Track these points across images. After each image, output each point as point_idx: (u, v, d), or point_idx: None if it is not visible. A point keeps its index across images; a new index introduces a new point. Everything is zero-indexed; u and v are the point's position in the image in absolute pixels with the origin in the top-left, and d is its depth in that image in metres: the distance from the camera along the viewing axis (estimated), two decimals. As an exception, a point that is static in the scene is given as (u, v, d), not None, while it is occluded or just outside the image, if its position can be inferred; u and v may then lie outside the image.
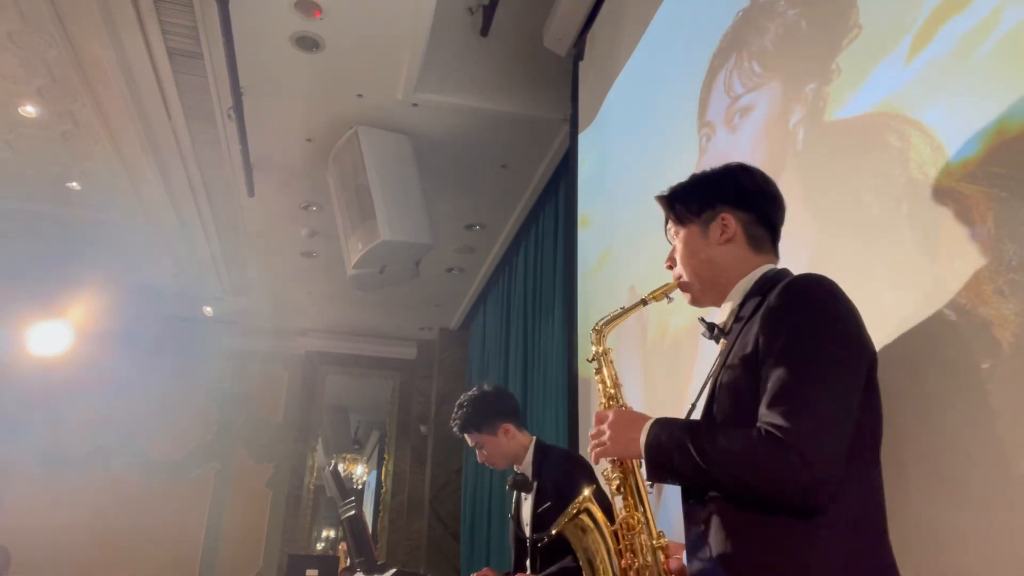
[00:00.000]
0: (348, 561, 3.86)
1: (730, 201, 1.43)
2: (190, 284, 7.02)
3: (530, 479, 2.42)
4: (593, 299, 3.38)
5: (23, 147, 5.02)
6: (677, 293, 1.51)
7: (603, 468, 1.46)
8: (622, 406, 1.49)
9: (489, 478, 5.84)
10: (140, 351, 7.42)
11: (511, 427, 2.49)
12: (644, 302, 1.52)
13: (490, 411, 2.49)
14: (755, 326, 1.26)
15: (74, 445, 7.39)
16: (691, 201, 1.47)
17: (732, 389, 1.27)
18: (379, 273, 4.69)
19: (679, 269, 1.48)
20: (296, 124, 4.68)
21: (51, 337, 6.75)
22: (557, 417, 4.27)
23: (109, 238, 6.17)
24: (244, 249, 6.35)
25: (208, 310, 7.48)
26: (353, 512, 2.97)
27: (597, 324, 1.56)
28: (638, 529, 1.38)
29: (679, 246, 1.49)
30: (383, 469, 8.45)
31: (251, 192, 5.11)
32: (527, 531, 2.38)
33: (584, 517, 1.44)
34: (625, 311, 1.55)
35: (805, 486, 1.10)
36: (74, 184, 5.46)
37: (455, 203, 5.50)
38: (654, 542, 1.36)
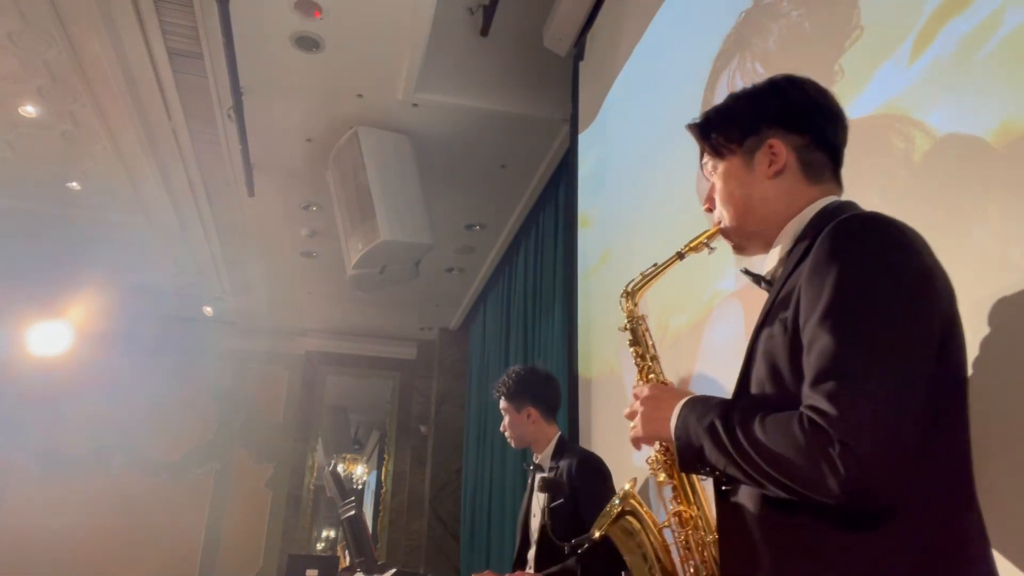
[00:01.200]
0: (348, 561, 3.87)
1: (778, 122, 1.18)
2: (190, 284, 7.02)
3: (544, 469, 2.43)
4: (593, 299, 3.38)
5: (23, 147, 5.02)
6: (720, 242, 1.28)
7: (647, 455, 1.25)
8: (661, 381, 1.28)
9: (489, 478, 5.84)
10: (140, 351, 7.43)
11: (536, 413, 2.53)
12: (680, 255, 1.29)
13: (523, 388, 2.54)
14: (801, 276, 1.02)
15: (74, 445, 7.39)
16: (730, 127, 1.22)
17: (770, 359, 1.05)
18: (379, 273, 4.68)
19: (719, 211, 1.24)
20: (296, 124, 4.68)
21: (51, 337, 6.75)
22: (557, 417, 4.26)
23: (109, 238, 6.17)
24: (244, 249, 6.34)
25: (208, 310, 7.48)
26: (353, 512, 2.97)
27: (628, 286, 1.34)
28: (691, 524, 1.18)
29: (718, 184, 1.24)
30: (383, 469, 8.45)
31: (251, 192, 5.11)
32: (536, 523, 2.39)
33: (630, 519, 1.27)
34: (659, 268, 1.32)
35: (857, 489, 0.86)
36: (74, 184, 5.46)
37: (455, 203, 5.50)
38: (710, 537, 1.17)
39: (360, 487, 11.17)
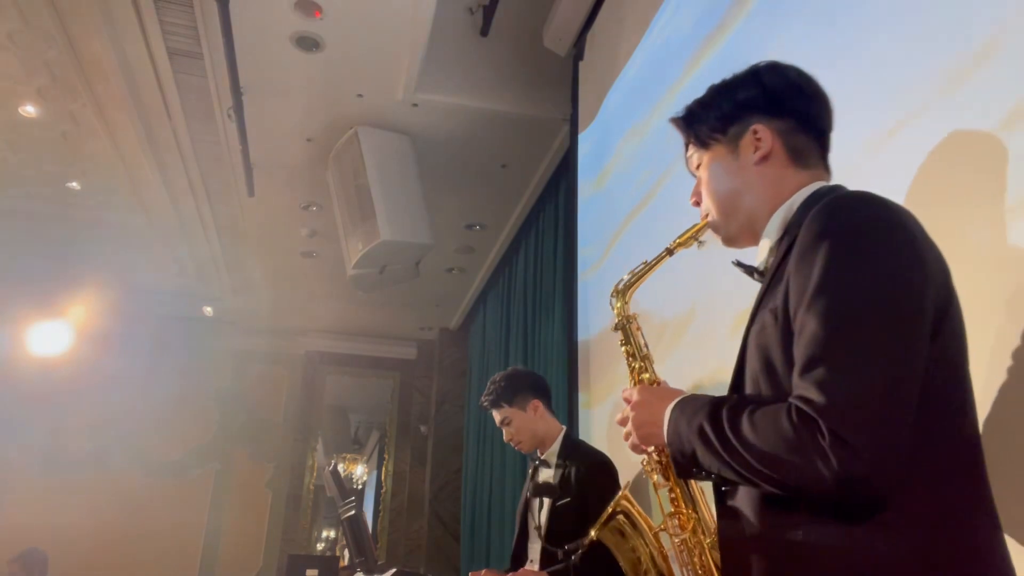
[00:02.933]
0: (348, 561, 3.87)
1: (760, 108, 1.16)
2: (190, 284, 7.02)
3: (551, 465, 2.42)
4: (593, 299, 3.38)
5: (23, 147, 5.02)
6: (710, 236, 1.26)
7: (642, 458, 1.22)
8: (653, 382, 1.25)
9: (489, 478, 5.84)
10: (140, 351, 7.42)
11: (541, 405, 2.50)
12: (670, 252, 1.27)
13: (522, 385, 2.51)
14: (790, 263, 0.99)
15: (74, 445, 7.39)
16: (713, 117, 1.20)
17: (763, 352, 1.01)
18: (379, 273, 4.69)
19: (706, 204, 1.22)
20: (296, 124, 4.68)
21: (51, 337, 6.75)
22: (557, 417, 4.25)
23: (109, 238, 6.17)
24: (244, 249, 6.35)
25: (208, 310, 7.48)
26: (353, 512, 2.97)
27: (618, 285, 1.33)
28: (689, 527, 1.15)
29: (704, 176, 1.22)
30: (383, 469, 8.45)
31: (251, 192, 5.11)
32: (537, 520, 2.37)
33: (622, 519, 1.25)
34: (648, 265, 1.31)
35: (849, 479, 0.83)
36: (74, 184, 5.46)
37: (455, 203, 5.50)
38: (708, 540, 1.14)
39: (360, 487, 11.17)
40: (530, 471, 2.51)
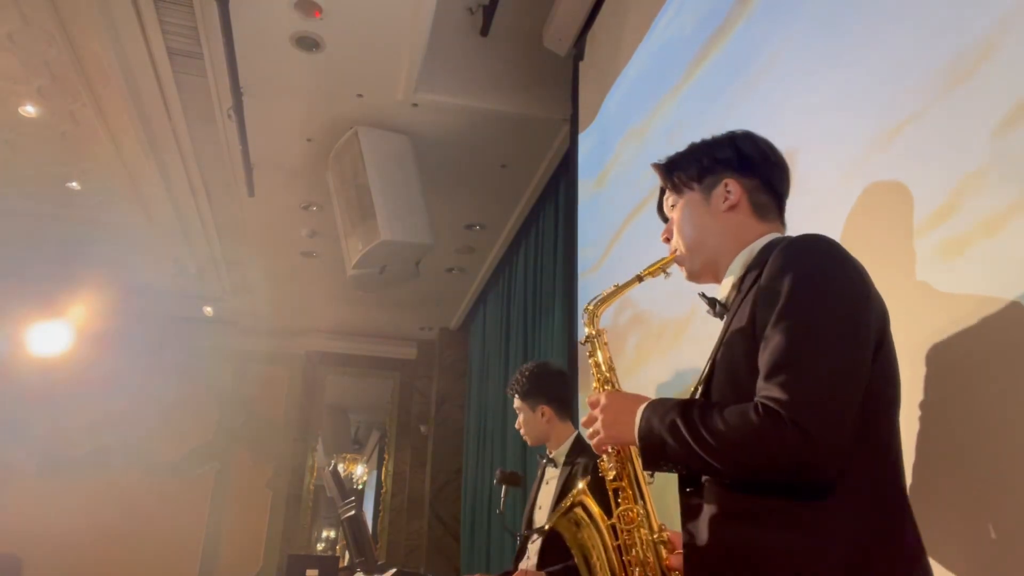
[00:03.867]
0: (348, 561, 3.87)
1: (733, 166, 1.34)
2: (190, 284, 7.02)
3: (558, 464, 2.43)
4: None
5: (23, 147, 5.02)
6: (675, 268, 1.42)
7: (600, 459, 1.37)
8: (617, 389, 1.40)
9: (489, 478, 5.84)
10: (140, 351, 7.42)
11: (550, 412, 2.52)
12: (639, 278, 1.42)
13: (536, 387, 2.53)
14: (755, 296, 1.16)
15: (74, 445, 7.39)
16: (691, 167, 1.38)
17: (729, 367, 1.17)
18: (379, 273, 4.68)
19: (676, 241, 1.39)
20: (296, 124, 4.68)
21: (51, 337, 6.75)
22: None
23: (109, 238, 6.17)
24: (244, 249, 6.35)
25: (208, 310, 7.48)
26: (353, 512, 2.97)
27: (589, 305, 1.48)
28: (637, 522, 1.28)
29: (677, 216, 1.39)
30: (383, 469, 8.45)
31: (251, 192, 5.11)
32: (541, 516, 2.38)
33: (578, 511, 1.35)
34: (619, 288, 1.46)
35: (807, 462, 0.99)
36: (74, 184, 5.46)
37: (455, 203, 5.50)
38: (655, 536, 1.27)
39: (360, 487, 11.17)
40: (539, 472, 2.54)
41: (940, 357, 1.39)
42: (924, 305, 1.45)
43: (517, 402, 2.56)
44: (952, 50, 1.48)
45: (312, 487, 8.05)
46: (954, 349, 1.37)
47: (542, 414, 2.51)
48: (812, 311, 1.07)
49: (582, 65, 3.95)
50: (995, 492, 1.25)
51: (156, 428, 7.60)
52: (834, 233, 1.69)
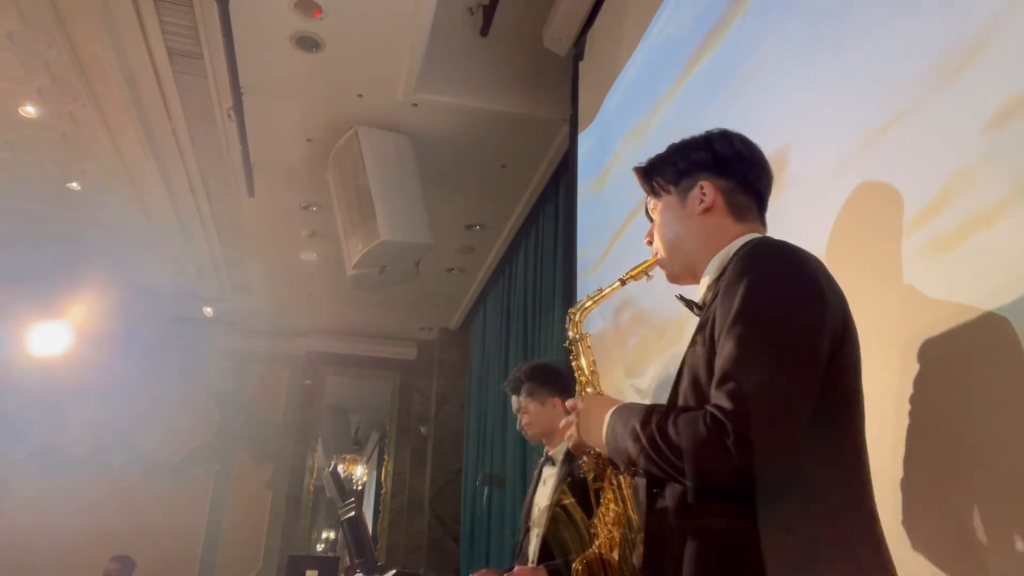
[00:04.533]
0: (348, 561, 3.87)
1: (708, 167, 1.34)
2: (190, 284, 7.02)
3: (556, 463, 2.43)
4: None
5: (23, 147, 5.02)
6: (657, 271, 1.43)
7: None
8: (597, 392, 1.42)
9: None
10: (140, 351, 7.42)
11: (560, 404, 2.51)
12: (622, 282, 1.44)
13: (545, 380, 2.53)
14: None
15: (74, 445, 7.39)
16: (668, 171, 1.39)
17: (692, 371, 1.19)
18: (379, 273, 4.68)
19: (656, 244, 1.41)
20: (296, 124, 4.68)
21: (51, 337, 6.74)
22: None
23: (109, 238, 6.17)
24: (244, 249, 6.35)
25: (208, 310, 7.48)
26: (353, 513, 2.97)
27: (572, 309, 1.50)
28: (615, 522, 1.31)
29: (657, 220, 1.41)
30: (383, 470, 8.45)
31: (251, 192, 5.11)
32: (536, 515, 2.38)
33: (558, 510, 1.38)
34: (602, 293, 1.48)
35: (743, 470, 1.00)
36: (74, 184, 5.46)
37: (455, 203, 5.50)
38: (633, 535, 1.29)
39: (360, 488, 11.17)
40: (536, 472, 2.53)
41: (930, 354, 1.38)
42: (913, 302, 1.45)
43: (524, 400, 2.55)
44: (942, 48, 1.48)
45: (312, 488, 8.05)
46: (944, 346, 1.37)
47: (554, 406, 2.51)
48: (762, 318, 1.08)
49: (582, 65, 3.95)
50: (985, 489, 1.25)
51: (156, 428, 7.60)
52: (826, 230, 1.69)
